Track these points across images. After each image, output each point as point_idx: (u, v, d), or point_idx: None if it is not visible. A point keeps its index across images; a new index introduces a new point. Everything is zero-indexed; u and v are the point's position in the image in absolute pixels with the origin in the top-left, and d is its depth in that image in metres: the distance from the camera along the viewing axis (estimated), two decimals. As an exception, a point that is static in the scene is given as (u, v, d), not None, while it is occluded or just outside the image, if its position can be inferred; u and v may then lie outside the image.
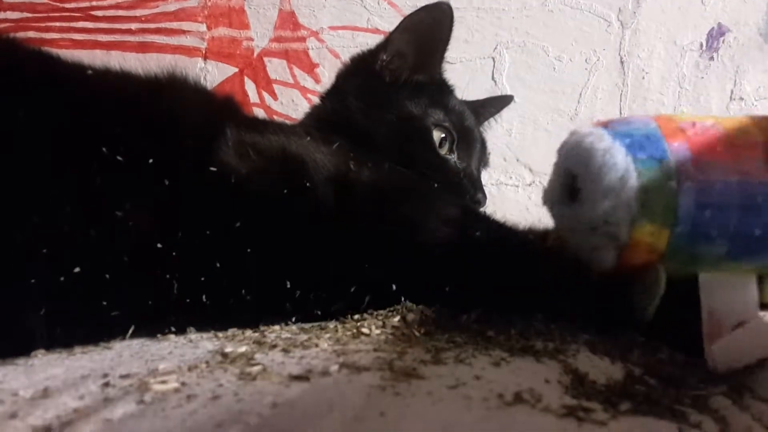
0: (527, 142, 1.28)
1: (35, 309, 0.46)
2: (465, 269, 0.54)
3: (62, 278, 0.47)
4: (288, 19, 1.33)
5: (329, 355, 0.42)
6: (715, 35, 1.24)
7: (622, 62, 1.26)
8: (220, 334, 0.50)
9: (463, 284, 0.54)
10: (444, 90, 0.92)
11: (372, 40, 1.37)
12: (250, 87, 1.35)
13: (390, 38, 0.88)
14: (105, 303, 0.48)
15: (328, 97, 0.92)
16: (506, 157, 1.29)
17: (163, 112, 0.60)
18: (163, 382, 0.37)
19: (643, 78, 1.25)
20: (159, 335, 0.51)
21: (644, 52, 1.25)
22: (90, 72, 0.60)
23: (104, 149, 0.52)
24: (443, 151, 0.83)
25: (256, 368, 0.39)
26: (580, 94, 1.27)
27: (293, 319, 0.54)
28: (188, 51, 1.35)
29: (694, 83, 1.25)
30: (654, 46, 1.25)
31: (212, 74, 1.35)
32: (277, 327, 0.53)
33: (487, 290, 0.54)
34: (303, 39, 1.33)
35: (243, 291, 0.52)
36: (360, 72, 0.89)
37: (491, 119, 1.14)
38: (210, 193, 0.54)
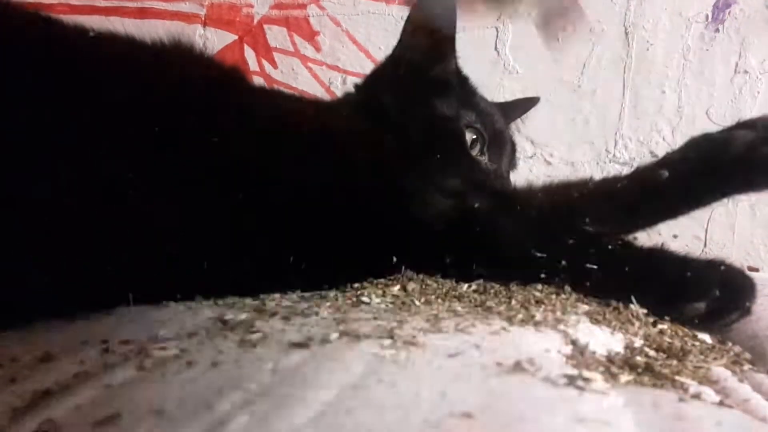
0: (529, 114, 1.27)
1: (39, 277, 0.46)
2: (464, 240, 0.55)
3: (63, 243, 0.47)
4: (289, -15, 1.31)
5: (329, 323, 0.42)
6: (721, 7, 1.22)
7: (626, 33, 1.24)
8: (220, 302, 0.50)
9: (462, 254, 0.55)
10: (468, 89, 0.92)
11: (373, 8, 1.36)
12: (249, 55, 1.33)
13: (402, 32, 0.87)
14: (107, 270, 0.48)
15: (362, 89, 0.92)
16: (508, 129, 1.28)
17: (170, 81, 0.59)
18: (163, 348, 0.37)
19: (648, 50, 1.24)
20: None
21: (649, 23, 1.23)
22: (93, 35, 0.60)
23: (111, 115, 0.51)
24: (474, 153, 0.82)
25: (255, 336, 0.39)
26: (584, 65, 1.26)
27: (295, 288, 0.54)
28: (187, 17, 1.33)
29: (699, 56, 1.23)
30: (659, 17, 1.23)
31: (212, 41, 1.34)
32: (277, 295, 0.53)
33: (487, 260, 0.55)
34: (303, 6, 1.31)
35: (247, 259, 0.52)
36: (390, 69, 0.89)
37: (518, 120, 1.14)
38: (214, 163, 0.54)
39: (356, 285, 0.55)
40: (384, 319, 0.42)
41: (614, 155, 1.27)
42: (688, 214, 0.64)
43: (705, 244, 1.24)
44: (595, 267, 0.55)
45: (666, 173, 0.60)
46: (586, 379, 0.35)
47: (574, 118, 1.27)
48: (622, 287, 0.55)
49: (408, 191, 0.59)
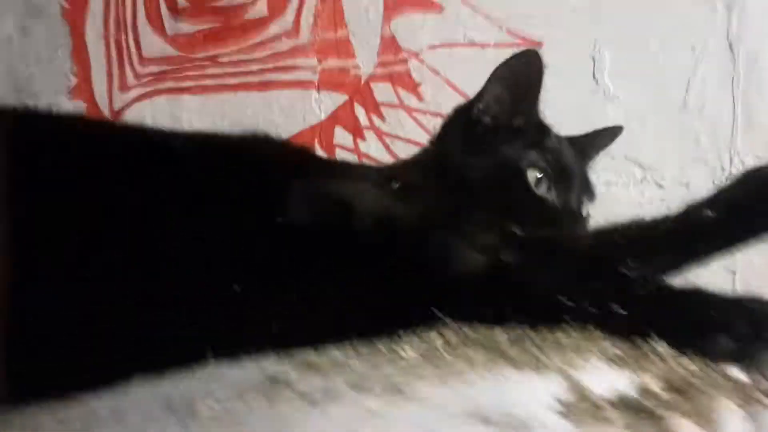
0: (635, 138, 1.25)
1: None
2: (497, 291, 0.60)
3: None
4: (390, 44, 1.41)
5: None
6: (835, 5, 1.15)
7: (730, 47, 1.20)
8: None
9: (497, 307, 0.60)
10: (541, 130, 0.95)
11: (469, 54, 1.42)
12: (359, 112, 1.44)
13: (485, 87, 0.92)
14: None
15: (434, 142, 0.99)
16: (614, 156, 1.27)
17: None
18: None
19: (756, 61, 1.19)
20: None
21: (754, 34, 1.19)
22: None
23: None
24: (541, 191, 0.85)
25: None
26: (688, 83, 1.23)
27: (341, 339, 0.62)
28: (303, 84, 1.47)
29: (814, 60, 1.16)
30: (764, 26, 1.18)
31: (326, 103, 1.46)
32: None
33: (515, 308, 0.59)
34: (405, 61, 1.40)
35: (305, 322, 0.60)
36: (460, 120, 0.95)
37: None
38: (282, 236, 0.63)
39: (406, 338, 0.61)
40: (398, 372, 0.48)
41: (731, 172, 1.22)
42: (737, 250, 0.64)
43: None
44: (620, 309, 0.57)
45: (710, 212, 0.61)
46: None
47: (682, 138, 1.24)
48: (647, 326, 0.57)
49: (444, 248, 0.64)
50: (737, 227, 0.62)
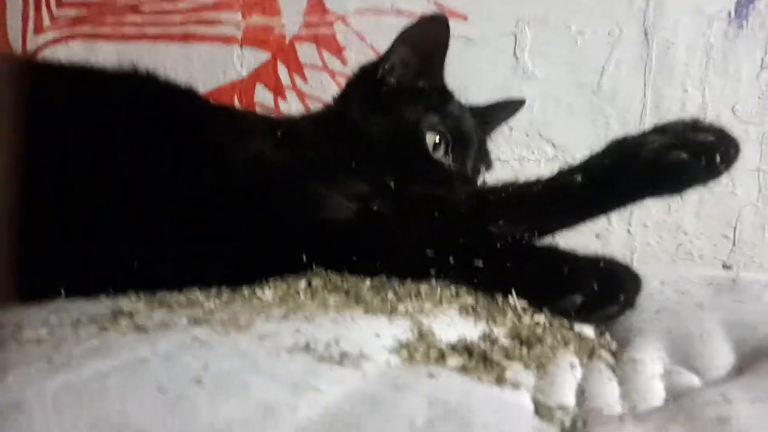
0: (549, 118, 1.28)
1: None
2: (367, 240, 0.60)
3: None
4: (317, 5, 1.39)
5: (197, 313, 0.48)
6: (744, 2, 1.18)
7: (646, 34, 1.23)
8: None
9: (365, 254, 0.60)
10: (444, 95, 0.95)
11: (395, 22, 1.41)
12: (282, 71, 1.41)
13: (392, 48, 0.92)
14: None
15: (337, 100, 0.98)
16: (528, 133, 1.29)
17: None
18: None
19: (668, 49, 1.22)
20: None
21: (669, 22, 1.21)
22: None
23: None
24: (438, 155, 0.86)
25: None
26: (603, 67, 1.25)
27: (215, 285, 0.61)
28: (226, 39, 1.43)
29: (722, 52, 1.19)
30: (679, 16, 1.21)
31: (248, 61, 1.43)
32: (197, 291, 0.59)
33: (385, 259, 0.60)
34: (331, 24, 1.38)
35: (172, 258, 0.59)
36: (365, 80, 0.94)
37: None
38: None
39: (270, 282, 0.60)
40: (247, 310, 0.48)
41: (636, 156, 1.25)
42: (604, 216, 0.66)
43: (734, 244, 1.20)
44: (481, 264, 0.58)
45: (579, 178, 0.62)
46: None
47: (594, 120, 1.26)
48: (505, 282, 0.58)
49: (315, 198, 0.64)
50: (602, 193, 0.64)
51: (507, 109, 1.15)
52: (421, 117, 0.86)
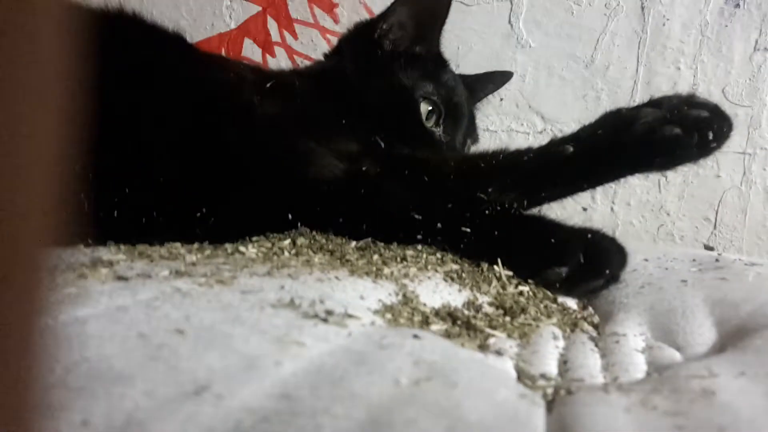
0: (540, 89, 1.27)
1: None
2: (353, 201, 0.59)
3: None
4: (310, -40, 1.35)
5: (180, 265, 0.48)
6: (743, -19, 1.18)
7: (642, 8, 1.22)
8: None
9: (352, 215, 0.59)
10: (438, 63, 0.94)
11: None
12: (272, 26, 1.38)
13: (391, 9, 0.90)
14: None
15: (329, 57, 0.96)
16: (518, 104, 1.28)
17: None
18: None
19: (664, 25, 1.21)
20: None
21: (666, -3, 1.21)
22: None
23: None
24: (429, 124, 0.85)
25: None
26: (597, 40, 1.24)
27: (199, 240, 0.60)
28: (215, -11, 1.39)
29: (717, 31, 1.19)
30: (676, -10, 1.20)
31: (237, 12, 1.40)
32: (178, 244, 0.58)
33: (371, 220, 0.59)
34: (324, -20, 1.35)
35: (155, 211, 0.58)
36: (361, 38, 0.92)
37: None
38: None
39: (254, 238, 0.59)
40: (231, 264, 0.47)
41: (625, 132, 1.25)
42: (594, 189, 0.66)
43: (715, 227, 1.21)
44: (468, 231, 0.58)
45: (571, 148, 0.61)
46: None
47: (585, 94, 1.26)
48: (491, 250, 0.58)
49: (303, 154, 0.63)
50: (593, 165, 0.64)
51: (494, 80, 1.15)
52: (416, 84, 0.85)
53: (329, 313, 0.38)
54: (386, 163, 0.64)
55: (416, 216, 0.59)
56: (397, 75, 0.85)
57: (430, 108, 0.85)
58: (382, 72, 0.85)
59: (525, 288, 0.55)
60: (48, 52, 0.17)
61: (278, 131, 0.64)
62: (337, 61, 0.90)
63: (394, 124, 0.80)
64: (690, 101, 0.62)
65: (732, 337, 0.46)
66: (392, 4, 0.91)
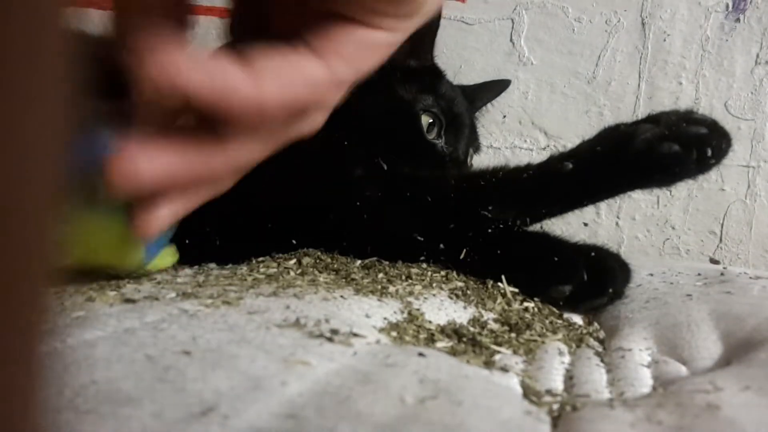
0: (543, 106, 1.28)
1: None
2: (358, 223, 0.60)
3: None
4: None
5: (187, 287, 0.48)
6: (743, -4, 1.19)
7: (643, 24, 1.23)
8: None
9: (356, 236, 0.60)
10: (435, 75, 0.94)
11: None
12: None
13: None
14: None
15: None
16: (522, 120, 1.29)
17: None
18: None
19: (665, 40, 1.22)
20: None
21: (667, 13, 1.21)
22: None
23: None
24: (431, 136, 0.85)
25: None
26: (599, 56, 1.25)
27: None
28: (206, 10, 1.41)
29: (718, 46, 1.20)
30: (677, 7, 1.21)
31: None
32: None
33: (375, 241, 0.60)
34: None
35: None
36: None
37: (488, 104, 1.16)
38: None
39: (260, 259, 0.60)
40: (237, 285, 0.48)
41: (628, 147, 1.25)
42: (593, 205, 0.66)
43: (720, 240, 1.21)
44: (471, 250, 0.58)
45: (570, 165, 0.62)
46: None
47: (588, 110, 1.26)
48: (495, 268, 0.59)
49: (306, 177, 0.63)
50: (592, 181, 0.64)
51: (493, 89, 1.14)
52: (415, 97, 0.85)
53: (334, 332, 0.38)
54: (388, 185, 0.65)
55: (418, 237, 0.60)
56: (395, 89, 0.85)
57: (431, 120, 0.85)
58: (380, 87, 0.84)
59: (530, 304, 0.55)
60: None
61: (278, 157, 0.64)
62: None
63: (395, 139, 0.81)
64: (688, 117, 0.62)
65: (737, 351, 0.46)
66: None
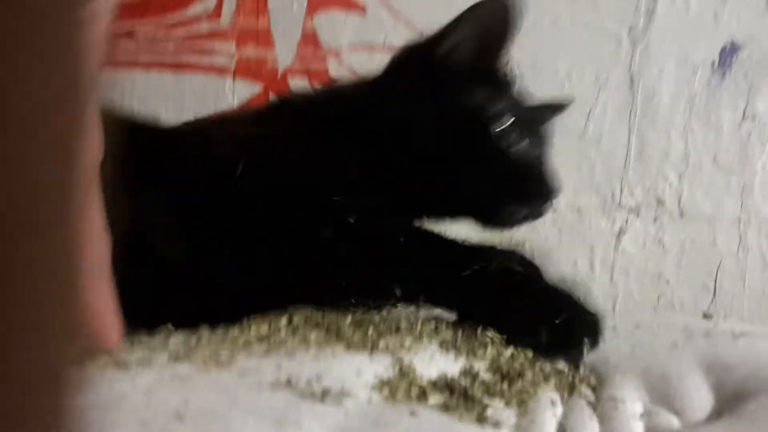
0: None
1: None
2: (345, 275, 0.61)
3: None
4: (310, 39, 1.40)
5: (179, 348, 0.49)
6: (728, 52, 1.22)
7: (632, 80, 1.26)
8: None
9: (344, 288, 0.61)
10: (507, 80, 0.91)
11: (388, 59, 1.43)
12: (274, 103, 1.43)
13: (453, 27, 0.84)
14: None
15: (374, 83, 0.89)
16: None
17: None
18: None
19: (654, 96, 1.25)
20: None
21: (654, 70, 1.25)
22: None
23: None
24: (505, 143, 0.82)
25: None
26: (589, 112, 1.28)
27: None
28: (219, 70, 1.44)
29: (705, 101, 1.23)
30: (664, 64, 1.24)
31: (240, 92, 1.44)
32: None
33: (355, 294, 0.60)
34: (324, 58, 1.40)
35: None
36: (416, 61, 0.86)
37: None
38: None
39: (252, 318, 0.60)
40: (229, 346, 0.48)
41: (620, 202, 1.27)
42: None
43: (714, 294, 1.22)
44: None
45: None
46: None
47: (579, 165, 1.28)
48: (482, 318, 0.60)
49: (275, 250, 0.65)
50: None
51: (550, 109, 1.09)
52: (486, 102, 0.81)
53: (326, 391, 0.39)
54: (358, 241, 0.65)
55: (397, 291, 0.61)
56: (464, 94, 0.82)
57: (504, 126, 0.81)
58: (447, 96, 0.81)
59: (520, 354, 0.55)
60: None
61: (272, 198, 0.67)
62: (387, 86, 0.85)
63: (464, 147, 0.79)
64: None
65: (729, 402, 0.46)
66: (455, 21, 0.85)
